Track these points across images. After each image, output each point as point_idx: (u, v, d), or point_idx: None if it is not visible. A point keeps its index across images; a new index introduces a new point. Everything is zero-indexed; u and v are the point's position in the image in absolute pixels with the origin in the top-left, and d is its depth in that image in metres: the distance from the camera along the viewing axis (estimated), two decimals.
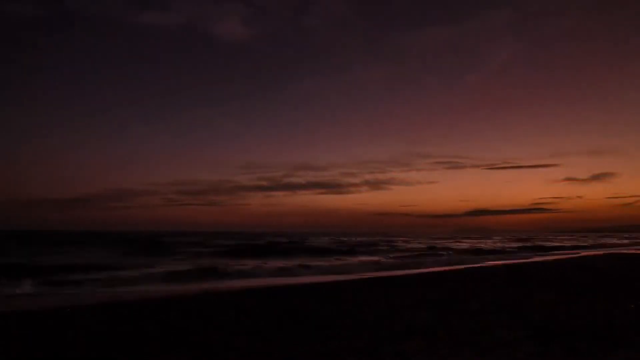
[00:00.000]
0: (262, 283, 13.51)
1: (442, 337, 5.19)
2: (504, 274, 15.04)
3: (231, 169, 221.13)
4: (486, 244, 48.47)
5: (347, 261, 23.40)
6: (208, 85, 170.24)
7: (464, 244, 48.65)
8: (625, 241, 58.83)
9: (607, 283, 11.01)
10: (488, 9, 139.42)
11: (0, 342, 5.34)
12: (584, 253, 32.09)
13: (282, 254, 29.12)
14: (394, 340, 5.11)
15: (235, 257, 25.62)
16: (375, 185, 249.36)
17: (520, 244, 48.39)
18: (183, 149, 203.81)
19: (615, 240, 61.98)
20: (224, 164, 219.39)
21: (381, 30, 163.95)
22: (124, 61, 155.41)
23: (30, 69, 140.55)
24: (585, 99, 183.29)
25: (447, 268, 19.24)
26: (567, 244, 49.82)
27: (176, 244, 41.67)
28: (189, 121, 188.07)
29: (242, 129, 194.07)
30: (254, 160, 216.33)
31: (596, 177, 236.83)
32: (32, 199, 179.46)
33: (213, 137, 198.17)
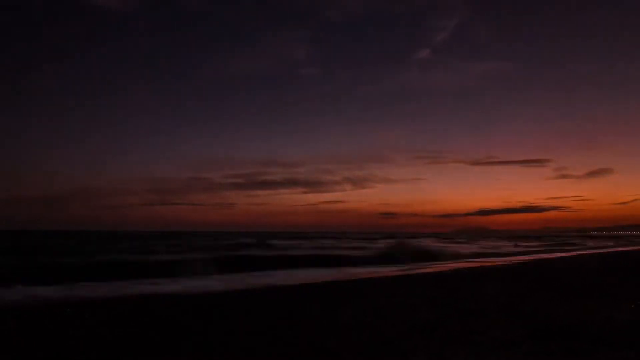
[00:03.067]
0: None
1: (441, 337, 5.18)
2: (503, 273, 15.04)
3: (195, 164, 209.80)
4: None
5: None
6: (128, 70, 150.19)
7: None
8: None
9: (606, 283, 11.01)
10: None
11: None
12: (582, 253, 32.10)
13: None
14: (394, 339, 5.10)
15: None
16: (358, 183, 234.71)
17: None
18: (135, 144, 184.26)
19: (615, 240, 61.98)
20: (185, 159, 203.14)
21: None
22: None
23: None
24: (571, 83, 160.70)
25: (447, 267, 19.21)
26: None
27: None
28: (130, 112, 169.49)
29: (187, 121, 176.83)
30: (216, 156, 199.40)
31: (592, 174, 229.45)
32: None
33: (161, 129, 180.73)
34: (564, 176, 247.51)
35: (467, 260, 25.56)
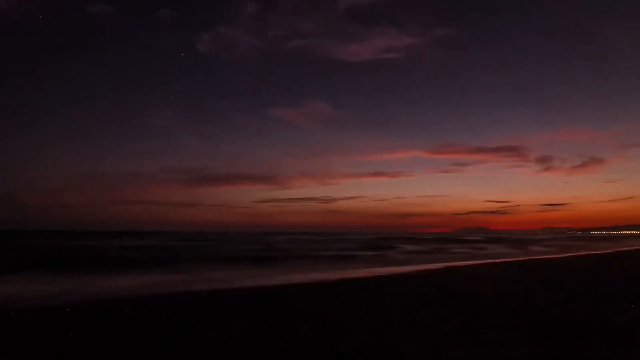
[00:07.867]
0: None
1: (443, 337, 5.20)
2: (504, 273, 15.04)
3: (126, 156, 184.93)
4: None
5: None
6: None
7: None
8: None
9: (606, 283, 11.03)
10: None
11: None
12: (582, 253, 32.11)
13: None
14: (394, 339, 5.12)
15: None
16: (318, 178, 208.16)
17: None
18: (59, 136, 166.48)
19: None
20: (115, 150, 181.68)
21: None
22: None
23: None
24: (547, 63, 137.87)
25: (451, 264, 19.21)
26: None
27: None
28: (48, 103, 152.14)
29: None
30: (145, 146, 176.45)
31: (581, 167, 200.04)
32: None
33: (83, 120, 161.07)
34: (548, 169, 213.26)
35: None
